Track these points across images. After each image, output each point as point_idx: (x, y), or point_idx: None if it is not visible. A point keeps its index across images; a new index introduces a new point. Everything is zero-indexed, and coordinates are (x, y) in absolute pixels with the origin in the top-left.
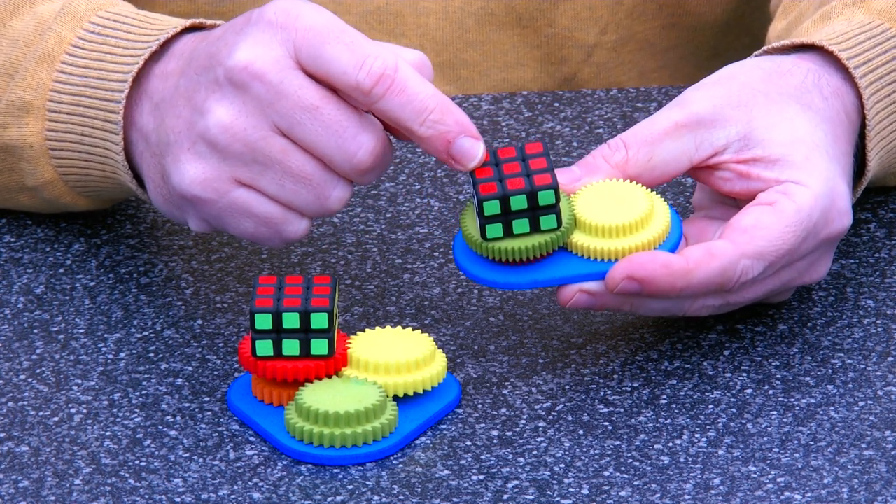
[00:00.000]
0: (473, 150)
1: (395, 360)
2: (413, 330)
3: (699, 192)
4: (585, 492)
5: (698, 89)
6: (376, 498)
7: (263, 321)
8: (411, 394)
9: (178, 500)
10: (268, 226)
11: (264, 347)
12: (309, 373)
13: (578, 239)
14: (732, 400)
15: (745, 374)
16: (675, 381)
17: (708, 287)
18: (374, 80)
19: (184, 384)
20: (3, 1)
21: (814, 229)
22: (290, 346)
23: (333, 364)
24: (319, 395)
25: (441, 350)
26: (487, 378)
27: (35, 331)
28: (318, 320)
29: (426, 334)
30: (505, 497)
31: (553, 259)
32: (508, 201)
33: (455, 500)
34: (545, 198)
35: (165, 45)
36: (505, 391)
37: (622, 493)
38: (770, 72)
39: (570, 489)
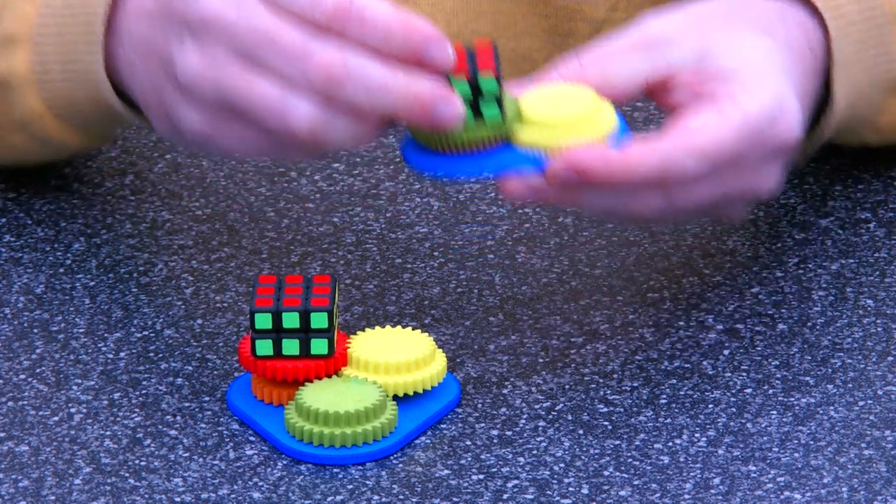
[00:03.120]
0: (444, 55)
1: (394, 359)
2: (413, 329)
3: None
4: (585, 491)
5: (657, 15)
6: (376, 497)
7: (263, 321)
8: (411, 393)
9: (177, 499)
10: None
11: (264, 347)
12: (309, 372)
13: (523, 133)
14: (732, 399)
15: (744, 374)
16: (674, 381)
17: (647, 180)
18: (329, 16)
19: (184, 384)
20: None
21: (759, 135)
22: (290, 346)
23: (333, 364)
24: (319, 395)
25: (441, 349)
26: (487, 378)
27: (35, 330)
28: (318, 320)
29: (426, 334)
30: (505, 497)
31: (498, 151)
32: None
33: (455, 499)
34: (487, 85)
35: None
36: (505, 391)
37: (622, 493)
38: (733, 3)
39: (570, 489)
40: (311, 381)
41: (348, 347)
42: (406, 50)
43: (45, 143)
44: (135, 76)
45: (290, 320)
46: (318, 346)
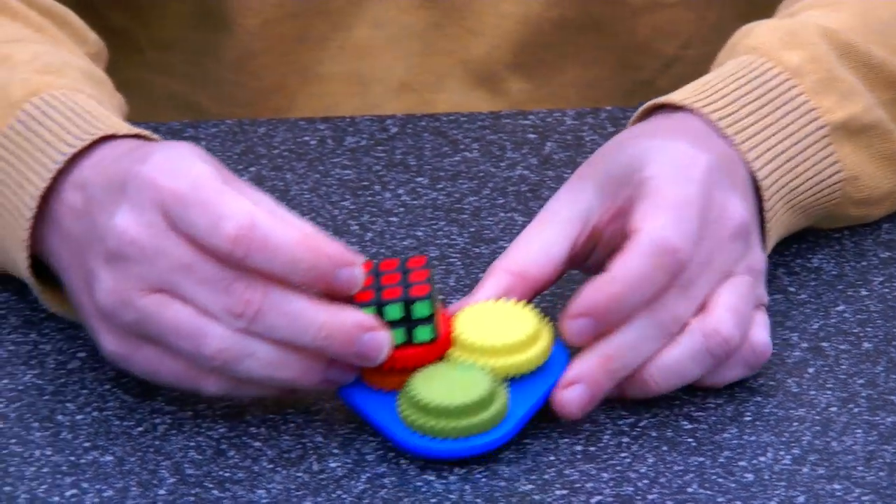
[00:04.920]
0: (352, 279)
1: (502, 341)
2: (515, 303)
3: None
4: None
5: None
6: None
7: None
8: (522, 373)
9: None
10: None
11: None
12: (417, 360)
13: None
14: (817, 418)
15: (829, 392)
16: (759, 398)
17: (650, 280)
18: (230, 242)
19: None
20: None
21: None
22: (396, 336)
23: (440, 347)
24: (430, 386)
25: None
26: None
27: None
28: (421, 309)
29: (529, 306)
30: None
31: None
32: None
33: None
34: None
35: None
36: None
37: None
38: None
39: None
40: (420, 369)
41: (453, 330)
42: (311, 276)
43: None
44: (64, 271)
45: (393, 312)
46: (423, 332)
